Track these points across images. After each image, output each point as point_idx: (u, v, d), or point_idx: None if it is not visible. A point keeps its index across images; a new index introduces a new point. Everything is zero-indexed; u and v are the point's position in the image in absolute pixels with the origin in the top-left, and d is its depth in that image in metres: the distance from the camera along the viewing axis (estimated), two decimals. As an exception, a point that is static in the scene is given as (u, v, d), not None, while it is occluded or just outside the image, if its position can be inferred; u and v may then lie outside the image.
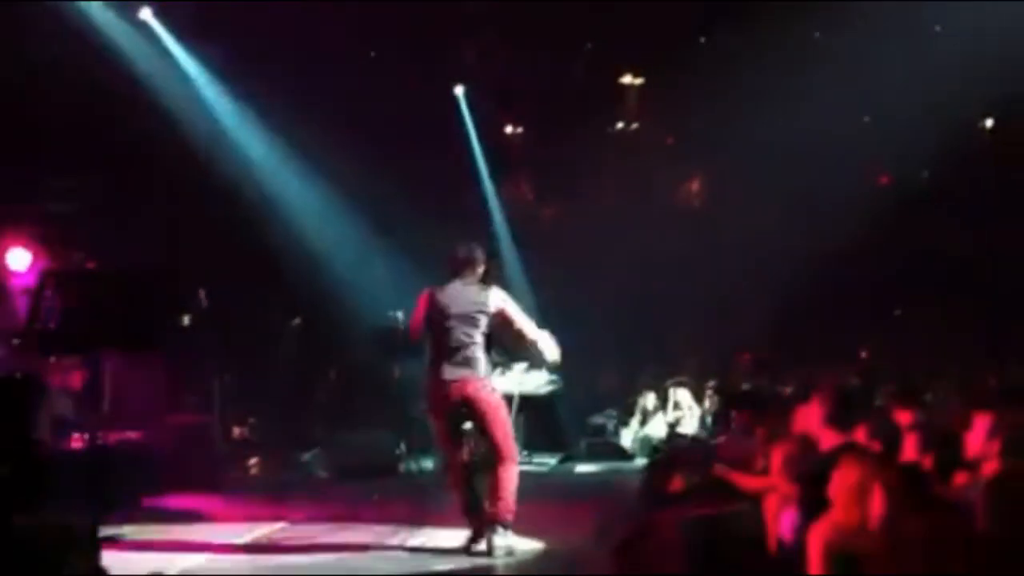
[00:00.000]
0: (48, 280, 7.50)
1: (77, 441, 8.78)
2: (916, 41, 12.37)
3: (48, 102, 11.19)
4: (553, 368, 9.37)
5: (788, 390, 9.27)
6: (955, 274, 13.74)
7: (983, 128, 14.81)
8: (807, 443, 5.58)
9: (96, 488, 6.09)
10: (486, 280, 7.30)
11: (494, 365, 11.20)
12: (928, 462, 4.96)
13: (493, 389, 7.19)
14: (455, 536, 7.40)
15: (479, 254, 7.23)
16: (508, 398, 11.38)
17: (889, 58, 12.49)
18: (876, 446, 5.34)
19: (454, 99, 14.03)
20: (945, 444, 5.05)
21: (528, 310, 12.98)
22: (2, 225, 11.25)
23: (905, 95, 12.32)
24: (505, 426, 7.14)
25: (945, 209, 14.41)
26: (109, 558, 6.30)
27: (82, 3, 11.30)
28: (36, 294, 7.60)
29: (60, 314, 7.29)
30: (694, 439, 10.36)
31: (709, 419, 11.72)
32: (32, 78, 11.04)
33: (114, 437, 8.68)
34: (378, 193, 12.54)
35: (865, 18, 12.18)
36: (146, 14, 11.99)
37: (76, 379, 9.23)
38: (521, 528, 7.70)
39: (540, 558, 7.04)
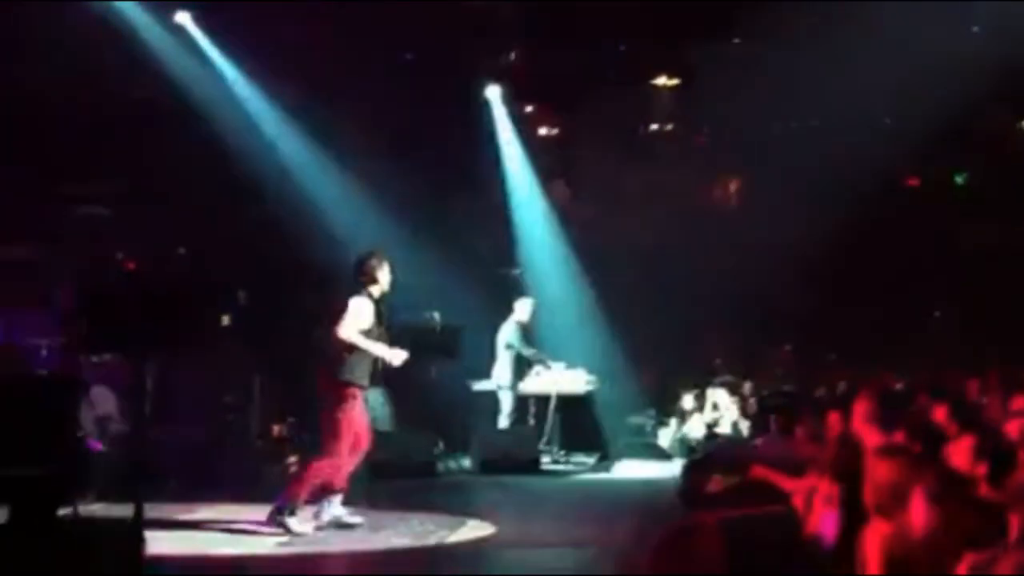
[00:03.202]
0: (91, 281, 7.62)
1: (120, 438, 8.88)
2: (953, 42, 12.26)
3: (87, 106, 11.31)
4: None
5: (824, 390, 9.25)
6: (991, 273, 13.61)
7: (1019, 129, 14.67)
8: (849, 443, 5.54)
9: (138, 484, 6.15)
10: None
11: (531, 364, 11.40)
12: (981, 468, 4.89)
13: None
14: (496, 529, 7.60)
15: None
16: (546, 397, 11.49)
17: (925, 59, 12.38)
18: (917, 447, 5.29)
19: (487, 101, 14.05)
20: (999, 448, 4.99)
21: (564, 310, 13.08)
22: (46, 228, 11.39)
23: (941, 96, 12.22)
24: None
25: (983, 210, 14.28)
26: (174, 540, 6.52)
27: (117, 4, 11.40)
28: (80, 295, 7.73)
29: (103, 314, 7.38)
30: (732, 439, 10.33)
31: (746, 421, 11.69)
32: (71, 84, 11.16)
33: (156, 434, 8.77)
34: (413, 194, 12.58)
35: (902, 19, 12.08)
36: (182, 17, 12.09)
37: (119, 377, 9.32)
38: (558, 527, 7.74)
39: (578, 559, 7.05)
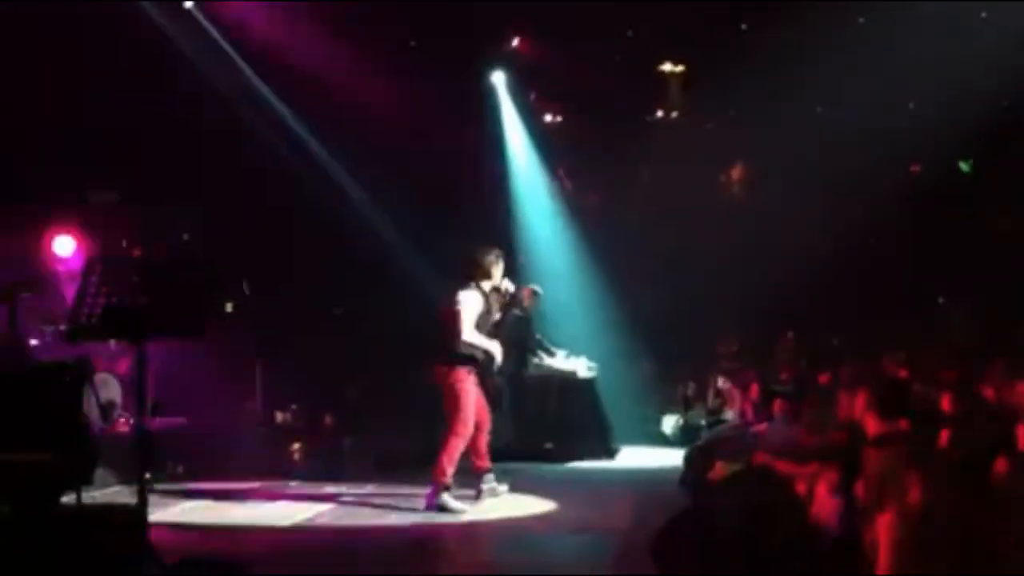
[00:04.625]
0: (94, 267, 7.59)
1: (124, 425, 8.91)
2: (962, 27, 12.21)
3: (92, 94, 11.31)
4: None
5: (827, 377, 9.23)
6: (998, 261, 13.58)
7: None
8: (852, 430, 5.55)
9: (143, 469, 6.16)
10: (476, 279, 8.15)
11: (533, 352, 11.42)
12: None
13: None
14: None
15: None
16: (548, 385, 11.49)
17: (934, 44, 12.34)
18: (920, 434, 5.29)
19: (492, 86, 14.04)
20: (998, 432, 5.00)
21: (567, 298, 13.07)
22: (49, 214, 11.41)
23: (951, 82, 12.17)
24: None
25: (990, 196, 14.24)
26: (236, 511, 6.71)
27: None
28: (83, 281, 7.70)
29: (106, 301, 7.38)
30: (735, 427, 10.33)
31: (749, 408, 11.69)
32: (76, 70, 11.16)
33: (159, 422, 8.80)
34: (420, 182, 12.58)
35: (909, 3, 12.03)
36: (189, 5, 12.09)
37: (123, 365, 9.35)
38: (562, 515, 7.77)
39: (581, 546, 7.07)
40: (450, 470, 7.89)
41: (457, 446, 7.94)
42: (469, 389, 8.00)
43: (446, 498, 7.86)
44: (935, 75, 12.31)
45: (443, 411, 8.04)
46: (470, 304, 7.97)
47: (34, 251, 11.18)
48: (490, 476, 8.32)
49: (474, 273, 8.08)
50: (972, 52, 11.79)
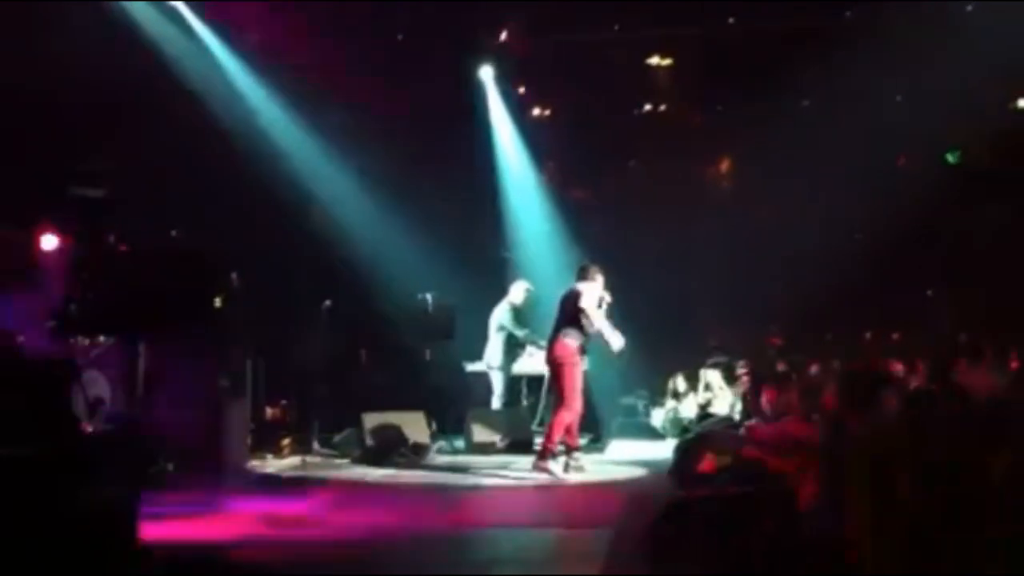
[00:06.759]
0: (82, 263, 7.59)
1: (113, 421, 8.87)
2: (953, 21, 12.23)
3: (78, 88, 11.26)
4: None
5: (817, 370, 9.27)
6: (989, 253, 13.63)
7: (1016, 108, 14.63)
8: (838, 423, 5.56)
9: (134, 467, 6.15)
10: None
11: (523, 345, 11.45)
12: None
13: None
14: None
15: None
16: (539, 378, 11.51)
17: (925, 39, 12.36)
18: (906, 428, 5.30)
19: (480, 81, 14.02)
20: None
21: (557, 292, 13.10)
22: (36, 210, 11.35)
23: (940, 76, 12.20)
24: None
25: (978, 189, 14.28)
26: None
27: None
28: (70, 277, 7.71)
29: (95, 297, 7.37)
30: (725, 420, 10.36)
31: (739, 401, 11.73)
32: (60, 65, 11.11)
33: (149, 418, 8.77)
34: (408, 176, 12.56)
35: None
36: (180, 3, 12.06)
37: (111, 361, 9.30)
38: (551, 507, 7.78)
39: (571, 541, 7.07)
40: (557, 438, 9.02)
41: (568, 419, 9.03)
42: (580, 368, 9.15)
43: (551, 464, 8.91)
44: (923, 67, 12.34)
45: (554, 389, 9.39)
46: (590, 292, 9.30)
47: (20, 247, 11.12)
48: (578, 454, 9.28)
49: (588, 276, 9.43)
50: (965, 46, 11.80)
